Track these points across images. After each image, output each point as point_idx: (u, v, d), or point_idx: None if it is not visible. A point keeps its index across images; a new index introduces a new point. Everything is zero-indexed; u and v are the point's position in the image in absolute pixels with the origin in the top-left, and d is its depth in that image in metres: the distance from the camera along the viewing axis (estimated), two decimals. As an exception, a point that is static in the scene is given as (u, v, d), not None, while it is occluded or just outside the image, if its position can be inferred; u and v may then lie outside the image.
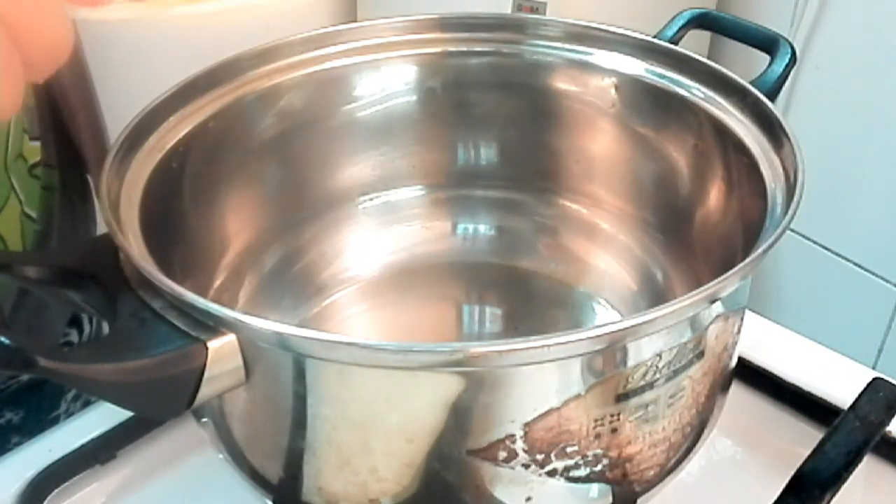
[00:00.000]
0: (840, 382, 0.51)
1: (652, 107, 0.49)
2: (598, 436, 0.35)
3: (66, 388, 0.59)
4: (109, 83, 0.57)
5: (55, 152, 0.56)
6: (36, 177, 0.54)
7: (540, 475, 0.35)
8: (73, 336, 0.60)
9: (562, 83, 0.51)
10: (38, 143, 0.54)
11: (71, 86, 0.55)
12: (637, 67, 0.49)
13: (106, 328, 0.59)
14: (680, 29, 0.49)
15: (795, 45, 0.47)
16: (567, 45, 0.50)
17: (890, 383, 0.48)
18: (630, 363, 0.34)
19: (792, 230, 0.52)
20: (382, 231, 0.56)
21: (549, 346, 0.30)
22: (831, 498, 0.43)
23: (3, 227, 0.50)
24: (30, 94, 0.53)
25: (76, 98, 0.55)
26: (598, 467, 0.36)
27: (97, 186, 0.56)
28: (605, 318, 0.52)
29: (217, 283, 0.47)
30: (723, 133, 0.44)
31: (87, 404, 0.59)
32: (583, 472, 0.36)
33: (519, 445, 0.34)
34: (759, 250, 0.34)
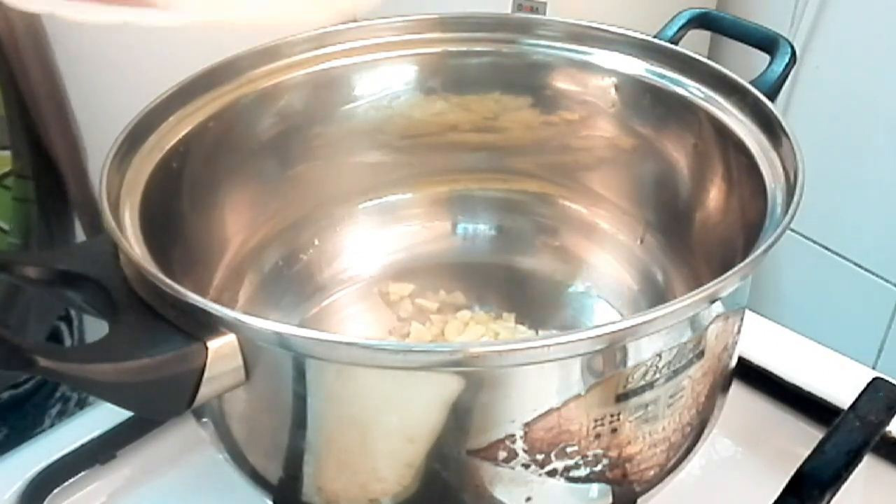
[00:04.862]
0: (840, 382, 0.51)
1: (652, 107, 0.49)
2: (598, 436, 0.35)
3: (49, 404, 0.59)
4: (83, 92, 0.56)
5: (30, 163, 0.54)
6: (6, 187, 0.52)
7: (540, 475, 0.35)
8: (63, 328, 0.60)
9: (562, 83, 0.51)
10: (8, 153, 0.52)
11: (42, 95, 0.54)
12: (637, 67, 0.49)
13: (90, 322, 0.58)
14: (680, 29, 0.49)
15: (795, 45, 0.47)
16: (567, 45, 0.50)
17: (890, 383, 0.48)
18: (630, 363, 0.34)
19: (792, 230, 0.52)
20: (382, 231, 0.56)
21: (549, 346, 0.31)
22: (831, 498, 0.43)
23: None
24: None
25: (48, 108, 0.54)
26: (598, 467, 0.36)
27: (76, 196, 0.55)
28: (605, 318, 0.52)
29: (217, 282, 0.47)
30: (723, 133, 0.44)
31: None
32: (583, 472, 0.36)
33: (519, 445, 0.34)
34: (759, 250, 0.34)
